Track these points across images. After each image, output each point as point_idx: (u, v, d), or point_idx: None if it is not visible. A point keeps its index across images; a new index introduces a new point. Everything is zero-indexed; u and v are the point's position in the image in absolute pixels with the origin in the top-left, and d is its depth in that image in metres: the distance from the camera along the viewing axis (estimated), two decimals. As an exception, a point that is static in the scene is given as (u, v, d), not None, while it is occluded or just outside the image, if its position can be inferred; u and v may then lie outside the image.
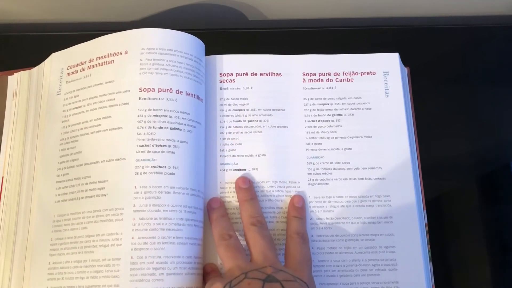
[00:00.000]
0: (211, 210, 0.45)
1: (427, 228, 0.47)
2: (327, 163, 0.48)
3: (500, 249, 0.49)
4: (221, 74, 0.50)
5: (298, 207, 0.45)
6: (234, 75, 0.50)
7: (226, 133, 0.48)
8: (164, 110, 0.43)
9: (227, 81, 0.50)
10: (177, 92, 0.44)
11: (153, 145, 0.42)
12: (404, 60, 0.52)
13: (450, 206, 0.50)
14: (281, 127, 0.49)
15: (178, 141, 0.43)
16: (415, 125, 0.50)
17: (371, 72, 0.51)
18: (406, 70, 0.52)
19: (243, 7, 0.56)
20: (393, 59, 0.51)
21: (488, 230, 0.49)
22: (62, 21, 0.57)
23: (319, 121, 0.49)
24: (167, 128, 0.43)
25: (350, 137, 0.49)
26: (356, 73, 0.51)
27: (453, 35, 0.56)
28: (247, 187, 0.45)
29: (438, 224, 0.49)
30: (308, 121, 0.49)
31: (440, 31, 0.57)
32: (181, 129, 0.44)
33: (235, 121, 0.49)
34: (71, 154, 0.45)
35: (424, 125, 0.51)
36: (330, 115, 0.49)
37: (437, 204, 0.50)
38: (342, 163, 0.48)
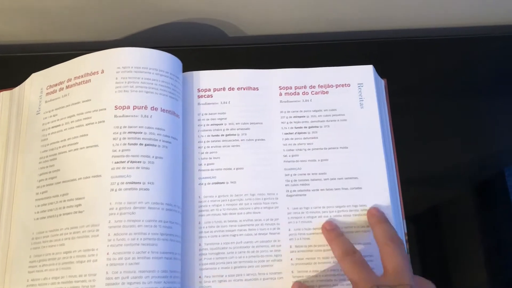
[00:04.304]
0: (326, 232, 0.45)
1: (406, 237, 0.48)
2: (304, 174, 0.48)
3: (491, 256, 0.49)
4: (199, 90, 0.51)
5: (378, 213, 0.46)
6: (212, 90, 0.51)
7: (204, 147, 0.49)
8: (139, 127, 0.44)
9: (205, 96, 0.51)
10: (152, 109, 0.45)
11: (128, 162, 0.43)
12: (382, 72, 0.53)
13: (438, 215, 0.51)
14: (258, 140, 0.50)
15: (153, 157, 0.44)
16: (393, 136, 0.51)
17: (345, 84, 0.51)
18: (383, 82, 0.53)
19: (222, 24, 0.57)
20: (367, 71, 0.52)
21: (473, 238, 0.50)
22: (44, 41, 0.58)
23: (296, 133, 0.50)
24: (142, 144, 0.44)
25: (326, 148, 0.49)
26: (331, 86, 0.51)
27: (431, 47, 0.57)
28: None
29: (423, 231, 0.50)
30: (285, 134, 0.50)
31: (417, 43, 0.58)
32: (156, 145, 0.45)
33: (213, 136, 0.50)
34: (50, 172, 0.45)
35: (403, 135, 0.51)
36: (306, 127, 0.50)
37: (422, 213, 0.51)
38: (319, 174, 0.48)
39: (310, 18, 0.57)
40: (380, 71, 0.53)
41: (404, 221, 0.48)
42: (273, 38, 0.60)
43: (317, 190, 0.48)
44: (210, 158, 0.49)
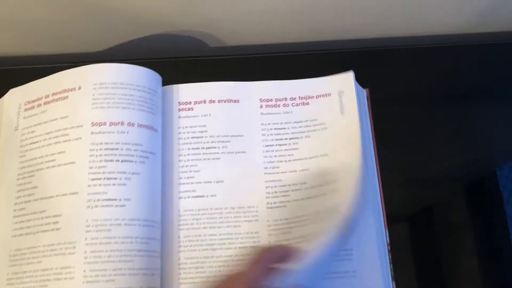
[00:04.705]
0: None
1: (389, 247, 0.47)
2: (285, 185, 0.48)
3: (483, 258, 0.49)
4: (179, 103, 0.51)
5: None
6: (193, 103, 0.51)
7: (184, 161, 0.49)
8: (116, 143, 0.44)
9: (186, 109, 0.51)
10: (129, 124, 0.45)
11: (104, 178, 0.43)
12: (364, 82, 0.52)
13: (431, 217, 0.51)
14: (239, 152, 0.50)
15: (129, 173, 0.44)
16: (375, 145, 0.51)
17: (326, 94, 0.51)
18: (365, 91, 0.53)
19: (203, 35, 0.57)
20: (347, 78, 0.51)
21: (465, 240, 0.50)
22: (23, 54, 0.58)
23: (276, 145, 0.50)
24: (118, 160, 0.44)
25: (307, 158, 0.49)
26: (312, 97, 0.51)
27: (413, 55, 0.57)
28: None
29: (414, 235, 0.50)
30: (265, 146, 0.50)
31: (399, 52, 0.58)
32: (132, 161, 0.45)
33: (193, 149, 0.50)
34: (28, 188, 0.45)
35: (390, 142, 0.51)
36: (287, 138, 0.50)
37: (415, 216, 0.51)
38: (300, 184, 0.48)
39: (292, 28, 0.57)
40: (363, 81, 0.52)
41: (387, 231, 0.48)
42: (255, 48, 0.60)
43: (297, 200, 0.48)
44: (190, 172, 0.49)
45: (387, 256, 0.47)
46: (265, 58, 0.57)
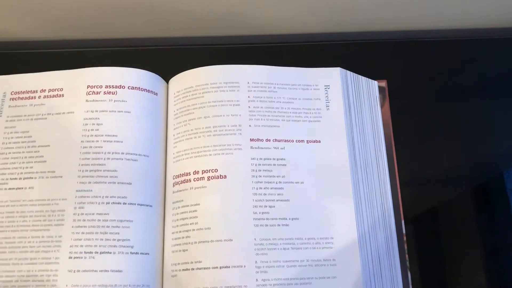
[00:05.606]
0: None
1: (405, 238, 0.46)
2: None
3: (489, 259, 0.47)
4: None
5: None
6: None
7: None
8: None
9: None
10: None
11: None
12: (382, 74, 0.52)
13: (438, 217, 0.49)
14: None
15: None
16: (393, 138, 0.50)
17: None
18: (375, 83, 0.52)
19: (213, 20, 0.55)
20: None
21: (471, 241, 0.48)
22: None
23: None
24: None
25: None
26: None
27: (433, 48, 0.56)
28: None
29: (422, 234, 0.48)
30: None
31: (419, 44, 0.56)
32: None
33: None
34: None
35: (402, 137, 0.50)
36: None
37: (420, 215, 0.49)
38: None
39: (309, 19, 0.56)
40: (382, 72, 0.52)
41: (403, 221, 0.47)
42: (271, 38, 0.58)
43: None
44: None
45: (394, 247, 0.46)
46: (283, 48, 0.56)
